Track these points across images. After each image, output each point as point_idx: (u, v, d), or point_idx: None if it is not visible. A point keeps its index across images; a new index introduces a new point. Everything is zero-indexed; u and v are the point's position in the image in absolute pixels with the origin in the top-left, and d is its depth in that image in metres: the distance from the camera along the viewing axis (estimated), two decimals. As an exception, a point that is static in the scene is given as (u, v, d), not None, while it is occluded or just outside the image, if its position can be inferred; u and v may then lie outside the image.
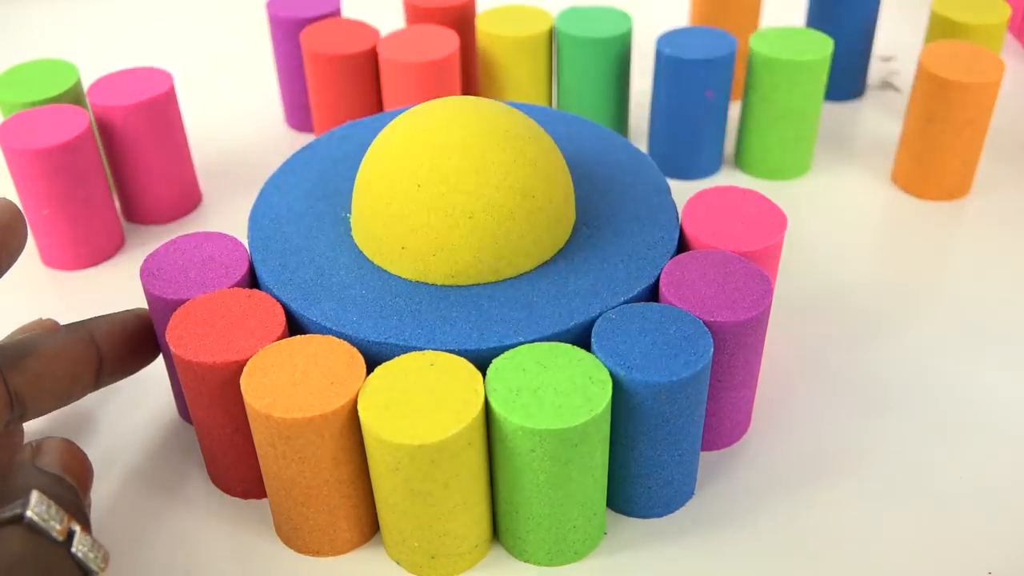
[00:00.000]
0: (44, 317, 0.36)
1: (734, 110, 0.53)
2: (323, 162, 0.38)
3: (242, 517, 0.34)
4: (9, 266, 0.30)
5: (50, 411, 0.32)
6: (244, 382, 0.29)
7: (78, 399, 0.33)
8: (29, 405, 0.30)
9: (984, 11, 0.48)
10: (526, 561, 0.32)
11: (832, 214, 0.47)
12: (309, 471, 0.29)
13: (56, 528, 0.26)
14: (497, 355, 0.30)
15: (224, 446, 0.33)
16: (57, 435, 0.36)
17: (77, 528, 0.26)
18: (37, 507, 0.26)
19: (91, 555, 0.26)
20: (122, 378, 0.34)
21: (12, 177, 0.42)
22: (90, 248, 0.44)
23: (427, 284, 0.32)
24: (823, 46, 0.45)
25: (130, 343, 0.33)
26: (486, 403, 0.28)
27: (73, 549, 0.26)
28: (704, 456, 0.35)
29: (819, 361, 0.39)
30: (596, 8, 0.49)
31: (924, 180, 0.47)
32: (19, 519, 0.26)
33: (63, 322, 0.35)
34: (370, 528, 0.32)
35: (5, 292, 0.33)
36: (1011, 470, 0.34)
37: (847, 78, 0.53)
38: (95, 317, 0.33)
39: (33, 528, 0.26)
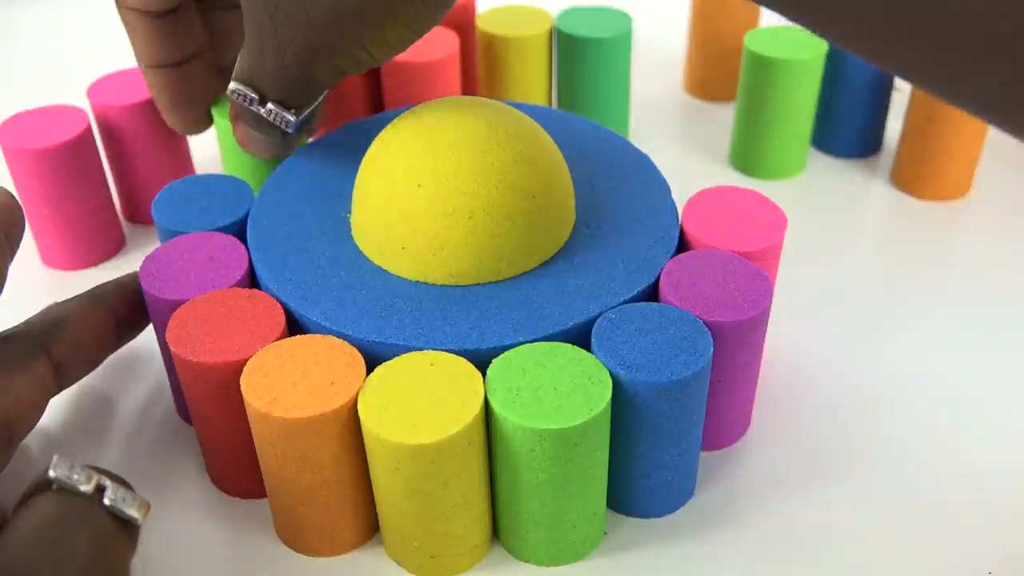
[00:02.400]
0: (57, 301, 0.36)
1: (729, 109, 0.53)
2: (323, 162, 0.38)
3: (242, 517, 0.34)
4: (14, 254, 0.32)
5: (82, 378, 0.34)
6: (244, 382, 0.29)
7: (102, 363, 0.35)
8: (68, 375, 0.33)
9: (984, 11, 0.48)
10: (526, 561, 0.32)
11: (832, 214, 0.47)
12: (309, 471, 0.29)
13: (83, 483, 0.26)
14: (497, 355, 0.30)
15: (224, 446, 0.33)
16: (60, 431, 0.36)
17: (108, 482, 0.26)
18: (58, 467, 0.26)
19: (126, 503, 0.26)
20: (135, 336, 0.36)
21: (12, 177, 0.42)
22: (90, 248, 0.44)
23: (427, 284, 0.32)
24: (817, 45, 0.45)
25: (141, 303, 0.35)
26: (486, 403, 0.28)
27: (106, 500, 0.26)
28: (704, 456, 0.35)
29: (819, 361, 0.39)
30: (596, 8, 0.49)
31: (924, 180, 0.47)
32: (47, 484, 0.26)
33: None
34: (370, 528, 0.32)
35: (5, 292, 0.33)
36: (1011, 471, 0.34)
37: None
38: (103, 283, 0.35)
39: (61, 487, 0.26)
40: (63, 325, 0.33)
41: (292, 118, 0.36)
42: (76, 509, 0.25)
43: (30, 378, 0.31)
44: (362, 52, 0.34)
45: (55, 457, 0.26)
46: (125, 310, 0.34)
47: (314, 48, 0.33)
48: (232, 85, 0.36)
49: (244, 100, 0.35)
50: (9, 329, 0.32)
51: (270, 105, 0.35)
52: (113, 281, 0.35)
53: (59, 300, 0.36)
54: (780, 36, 0.46)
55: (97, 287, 0.35)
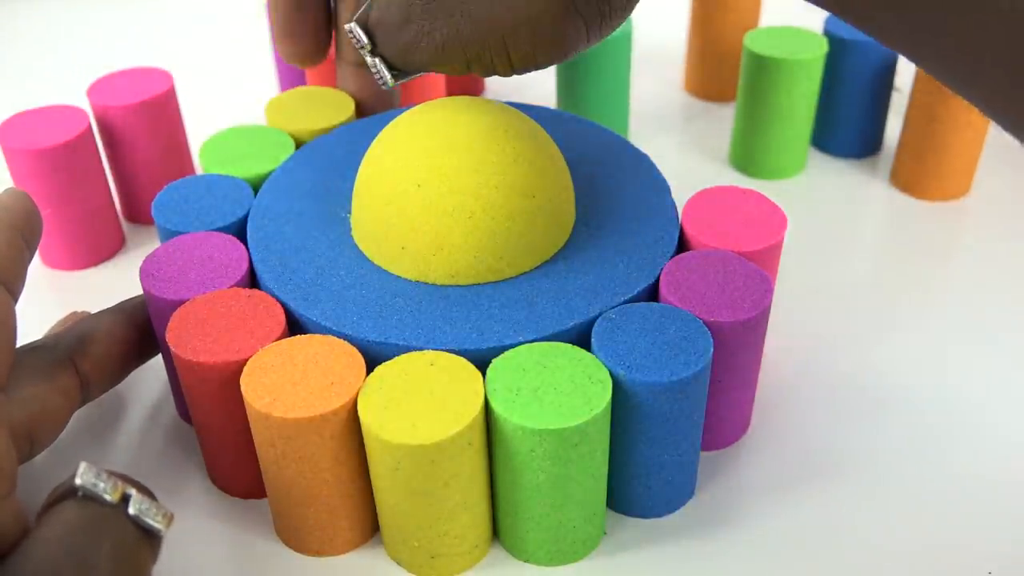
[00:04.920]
0: (76, 311, 0.37)
1: (729, 109, 0.53)
2: (323, 162, 0.38)
3: (242, 517, 0.34)
4: (32, 256, 0.32)
5: (106, 391, 0.34)
6: (244, 382, 0.29)
7: (126, 376, 0.35)
8: (93, 388, 0.33)
9: (984, 11, 0.48)
10: (526, 561, 0.32)
11: (832, 214, 0.47)
12: (309, 471, 0.29)
13: (108, 492, 0.26)
14: (497, 355, 0.30)
15: (224, 446, 0.33)
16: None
17: (133, 491, 0.26)
18: (85, 474, 0.26)
19: (150, 513, 0.26)
20: (158, 353, 0.36)
21: (12, 177, 0.42)
22: (90, 248, 0.44)
23: (427, 284, 0.32)
24: (817, 45, 0.45)
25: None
26: (486, 403, 0.28)
27: (130, 510, 0.26)
28: (704, 456, 0.35)
29: (819, 361, 0.39)
30: (596, 8, 0.49)
31: (924, 180, 0.47)
32: (72, 491, 0.26)
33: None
34: (370, 528, 0.32)
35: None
36: (1010, 470, 0.34)
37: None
38: (131, 299, 0.35)
39: (86, 495, 0.26)
40: (92, 340, 0.33)
41: (391, 80, 0.35)
42: (101, 519, 0.25)
43: (57, 390, 0.31)
44: (504, 59, 0.32)
45: (82, 465, 0.26)
46: (150, 328, 0.34)
47: (464, 42, 0.31)
48: (350, 25, 0.35)
49: (355, 42, 0.34)
50: (38, 340, 0.33)
51: (377, 60, 0.34)
52: (140, 297, 0.35)
53: (79, 309, 0.37)
54: (780, 36, 0.46)
55: (125, 302, 0.35)
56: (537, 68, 0.32)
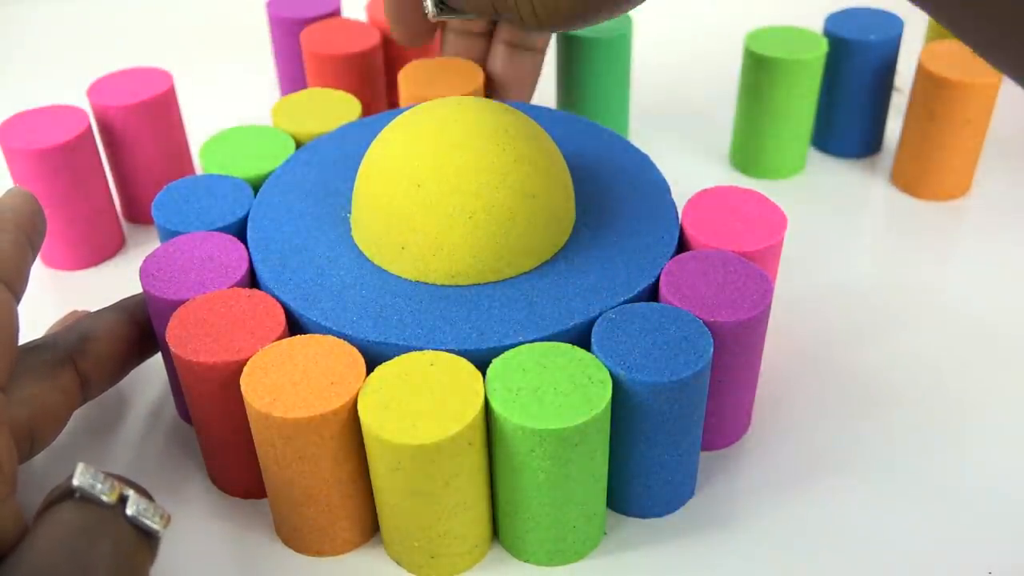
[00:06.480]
0: (77, 310, 0.37)
1: (729, 110, 0.53)
2: (323, 162, 0.38)
3: (242, 517, 0.34)
4: (35, 257, 0.32)
5: (106, 390, 0.34)
6: (244, 382, 0.29)
7: (125, 376, 0.35)
8: (93, 387, 0.33)
9: (984, 11, 0.48)
10: (526, 561, 0.32)
11: (832, 214, 0.47)
12: (309, 471, 0.29)
13: (106, 493, 0.26)
14: (497, 355, 0.30)
15: (224, 446, 0.33)
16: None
17: (130, 492, 0.26)
18: (82, 476, 0.26)
19: (148, 514, 0.26)
20: (157, 352, 0.36)
21: (12, 177, 0.42)
22: (90, 248, 0.44)
23: (427, 284, 0.32)
24: (817, 45, 0.45)
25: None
26: (486, 403, 0.28)
27: (128, 511, 0.26)
28: (704, 456, 0.35)
29: (819, 361, 0.39)
30: (596, 8, 0.49)
31: (924, 180, 0.47)
32: (70, 492, 0.26)
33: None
34: (370, 528, 0.32)
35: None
36: (1011, 470, 0.34)
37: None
38: (130, 297, 0.35)
39: (84, 496, 0.26)
40: (92, 339, 0.33)
41: (432, 9, 0.37)
42: (98, 520, 0.25)
43: (57, 389, 0.31)
44: (528, 6, 0.33)
45: (79, 466, 0.26)
46: (150, 326, 0.34)
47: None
48: None
49: None
50: (38, 339, 0.33)
51: None
52: (139, 295, 0.35)
53: (79, 309, 0.37)
54: (780, 36, 0.46)
55: (125, 300, 0.35)
56: (559, 24, 0.33)
